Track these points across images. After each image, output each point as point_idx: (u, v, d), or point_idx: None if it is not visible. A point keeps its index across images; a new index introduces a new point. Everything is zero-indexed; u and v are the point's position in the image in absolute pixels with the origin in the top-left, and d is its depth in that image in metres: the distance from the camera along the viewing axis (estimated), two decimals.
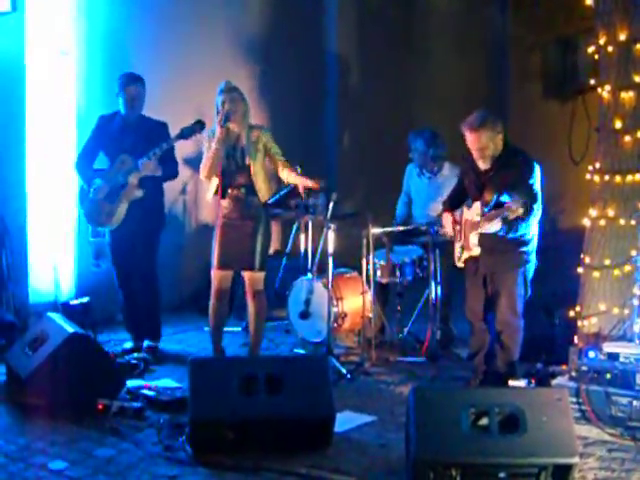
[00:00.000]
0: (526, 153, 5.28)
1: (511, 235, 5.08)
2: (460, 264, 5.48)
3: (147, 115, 5.94)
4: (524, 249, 5.21)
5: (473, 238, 5.25)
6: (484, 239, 5.21)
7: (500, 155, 5.18)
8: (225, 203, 5.47)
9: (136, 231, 5.83)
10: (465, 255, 5.39)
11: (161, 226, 6.04)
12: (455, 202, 5.55)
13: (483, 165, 5.22)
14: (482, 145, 5.13)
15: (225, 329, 5.82)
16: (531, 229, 5.20)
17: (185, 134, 5.65)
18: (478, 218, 5.21)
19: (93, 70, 6.85)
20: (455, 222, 5.46)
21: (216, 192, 5.42)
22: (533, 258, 5.29)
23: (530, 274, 5.31)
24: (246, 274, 5.53)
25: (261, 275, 5.53)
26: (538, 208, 5.13)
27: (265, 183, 5.46)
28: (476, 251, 5.27)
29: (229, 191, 5.45)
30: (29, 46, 6.41)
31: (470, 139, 5.16)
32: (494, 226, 5.04)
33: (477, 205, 5.25)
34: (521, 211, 4.87)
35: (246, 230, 5.44)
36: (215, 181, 5.43)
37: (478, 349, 5.43)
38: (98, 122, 5.96)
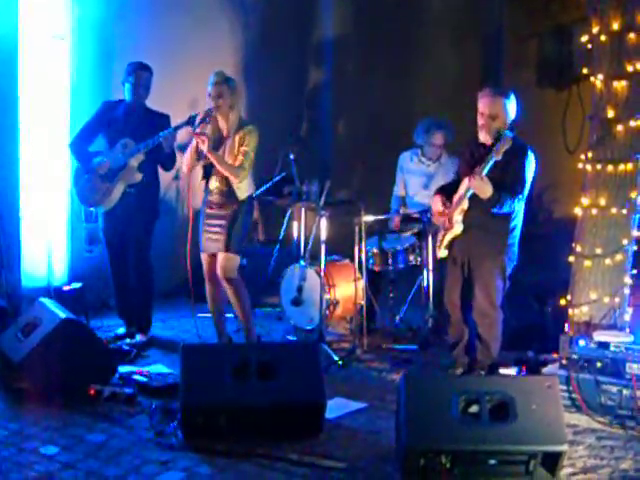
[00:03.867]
0: (524, 142, 5.16)
1: (496, 210, 4.94)
2: (441, 253, 5.30)
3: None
4: (504, 237, 5.08)
5: (457, 216, 5.13)
6: (467, 217, 5.10)
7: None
8: (208, 190, 5.54)
9: (130, 220, 5.84)
10: (448, 238, 5.20)
11: (155, 217, 6.05)
12: (448, 191, 5.36)
13: (484, 137, 5.10)
14: (493, 111, 5.04)
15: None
16: (514, 218, 5.09)
17: (192, 122, 5.63)
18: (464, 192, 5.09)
19: (86, 54, 6.81)
20: (444, 205, 5.24)
21: (202, 177, 5.54)
22: (514, 252, 5.17)
23: (509, 269, 5.16)
24: (219, 256, 5.50)
25: (233, 259, 5.49)
26: (523, 192, 5.01)
27: (243, 183, 5.46)
28: (458, 229, 5.12)
29: (212, 181, 5.51)
30: (23, 29, 6.37)
31: (484, 103, 5.07)
32: (486, 186, 4.91)
33: (465, 182, 5.10)
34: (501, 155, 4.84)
35: (224, 219, 5.47)
36: (199, 166, 5.52)
37: (457, 339, 5.34)
38: (101, 107, 5.96)
